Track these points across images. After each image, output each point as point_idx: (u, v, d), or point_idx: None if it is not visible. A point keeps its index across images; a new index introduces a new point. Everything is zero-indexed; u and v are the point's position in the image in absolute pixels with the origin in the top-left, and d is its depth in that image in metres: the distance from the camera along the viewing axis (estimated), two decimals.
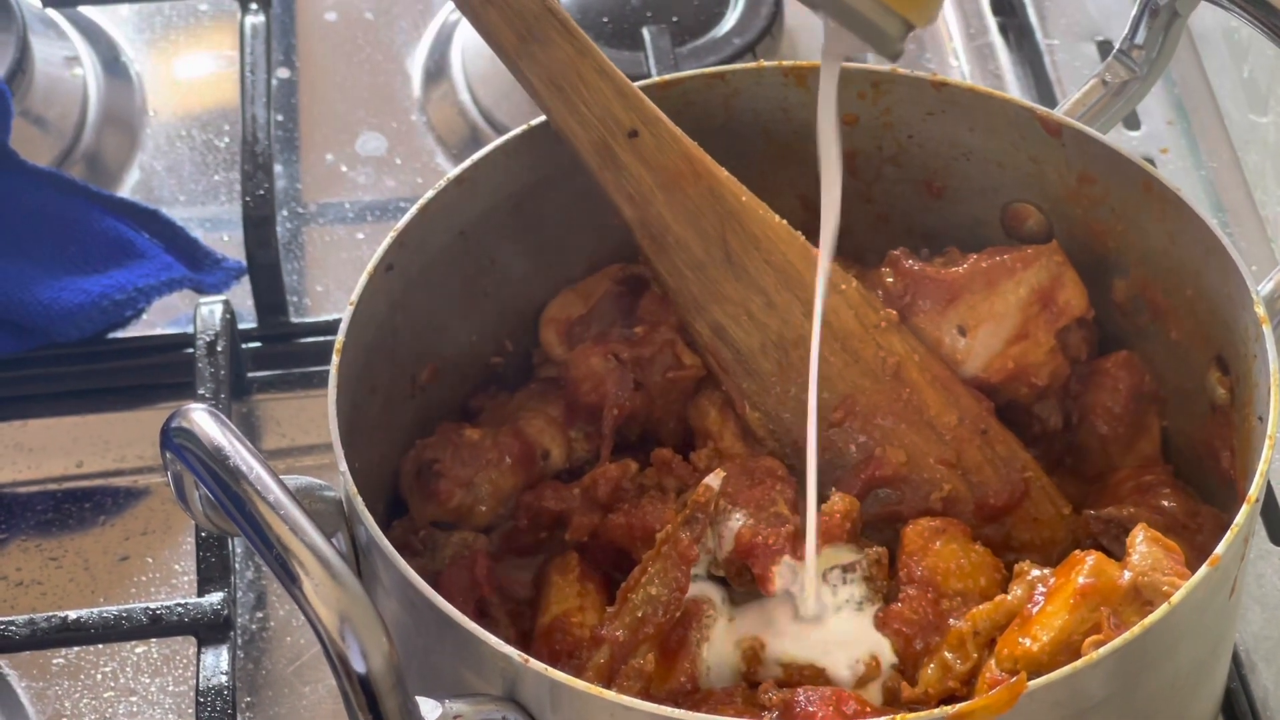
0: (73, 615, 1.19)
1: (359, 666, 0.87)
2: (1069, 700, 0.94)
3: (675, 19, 1.48)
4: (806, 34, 1.52)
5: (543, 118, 1.13)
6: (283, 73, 1.53)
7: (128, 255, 1.38)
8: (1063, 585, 1.00)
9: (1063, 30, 1.53)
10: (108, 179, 1.46)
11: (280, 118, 1.50)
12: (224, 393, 1.29)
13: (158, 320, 1.38)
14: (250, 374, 1.35)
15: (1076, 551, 1.02)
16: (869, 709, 1.01)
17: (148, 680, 1.22)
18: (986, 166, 1.17)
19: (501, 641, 0.94)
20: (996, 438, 1.13)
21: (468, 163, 1.13)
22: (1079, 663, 0.93)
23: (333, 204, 1.46)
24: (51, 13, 1.54)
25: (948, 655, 1.03)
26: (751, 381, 1.14)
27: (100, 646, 1.22)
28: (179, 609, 1.19)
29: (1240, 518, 0.98)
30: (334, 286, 1.40)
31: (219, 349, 1.30)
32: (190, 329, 1.32)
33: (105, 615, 1.19)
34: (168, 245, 1.39)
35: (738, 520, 1.07)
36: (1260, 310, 1.05)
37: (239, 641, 1.22)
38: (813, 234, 1.12)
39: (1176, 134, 1.48)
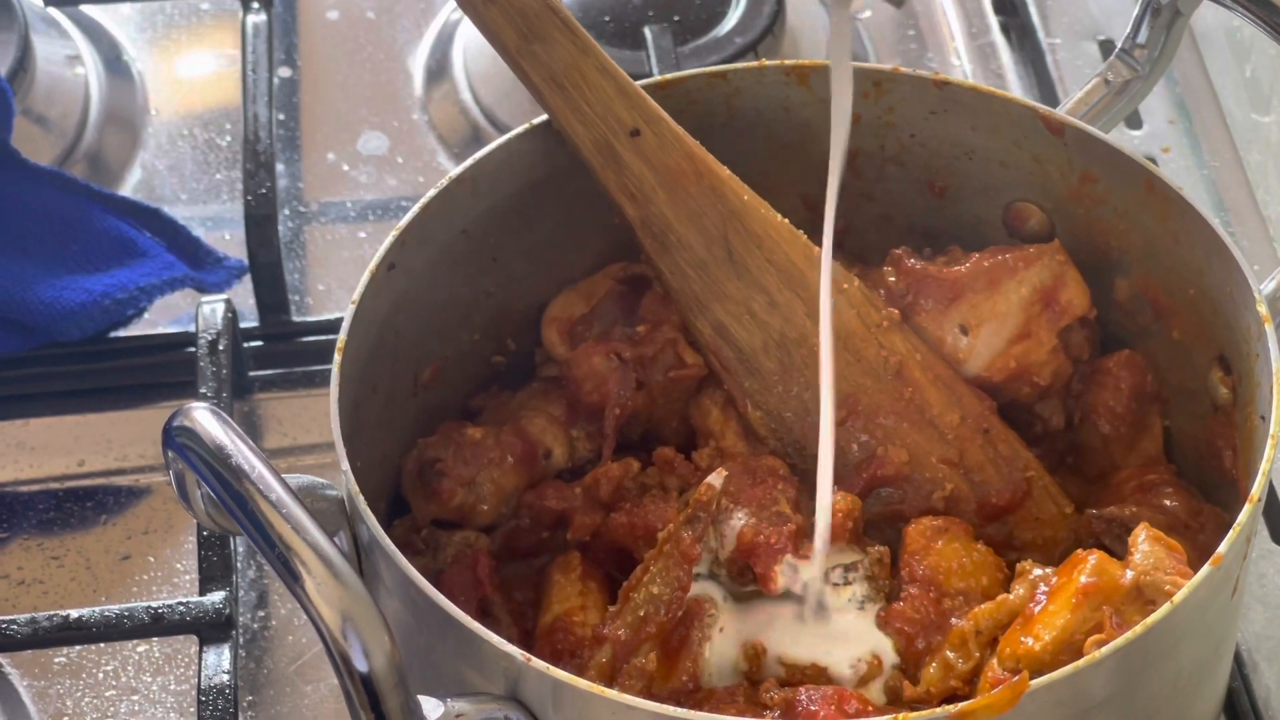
0: (74, 614, 1.19)
1: (361, 665, 0.87)
2: (1071, 699, 0.94)
3: (677, 18, 1.48)
4: (808, 33, 1.52)
5: (544, 117, 1.13)
6: (284, 72, 1.53)
7: (129, 254, 1.38)
8: (1065, 584, 1.00)
9: (1065, 29, 1.53)
10: (109, 178, 1.46)
11: (282, 117, 1.50)
12: (226, 392, 1.29)
13: (159, 319, 1.38)
14: (252, 373, 1.35)
15: (1079, 551, 1.02)
16: (871, 708, 1.01)
17: (149, 679, 1.22)
18: (989, 166, 1.17)
19: (503, 640, 0.94)
20: (998, 437, 1.13)
21: (469, 162, 1.13)
22: (1081, 662, 0.93)
23: (334, 203, 1.46)
24: (53, 11, 1.54)
25: (950, 654, 1.03)
26: (754, 380, 1.13)
27: (102, 645, 1.22)
28: (181, 608, 1.19)
29: (1243, 517, 0.97)
30: (336, 285, 1.40)
31: (221, 348, 1.30)
32: (192, 328, 1.32)
33: (107, 614, 1.19)
34: (169, 244, 1.39)
35: (739, 519, 1.07)
36: (1262, 309, 1.05)
37: (241, 640, 1.22)
38: (815, 233, 1.12)
39: (1178, 133, 1.48)
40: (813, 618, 1.06)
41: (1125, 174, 1.13)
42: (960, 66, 1.52)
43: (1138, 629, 0.94)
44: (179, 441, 0.93)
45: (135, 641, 1.22)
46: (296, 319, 1.38)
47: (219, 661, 1.17)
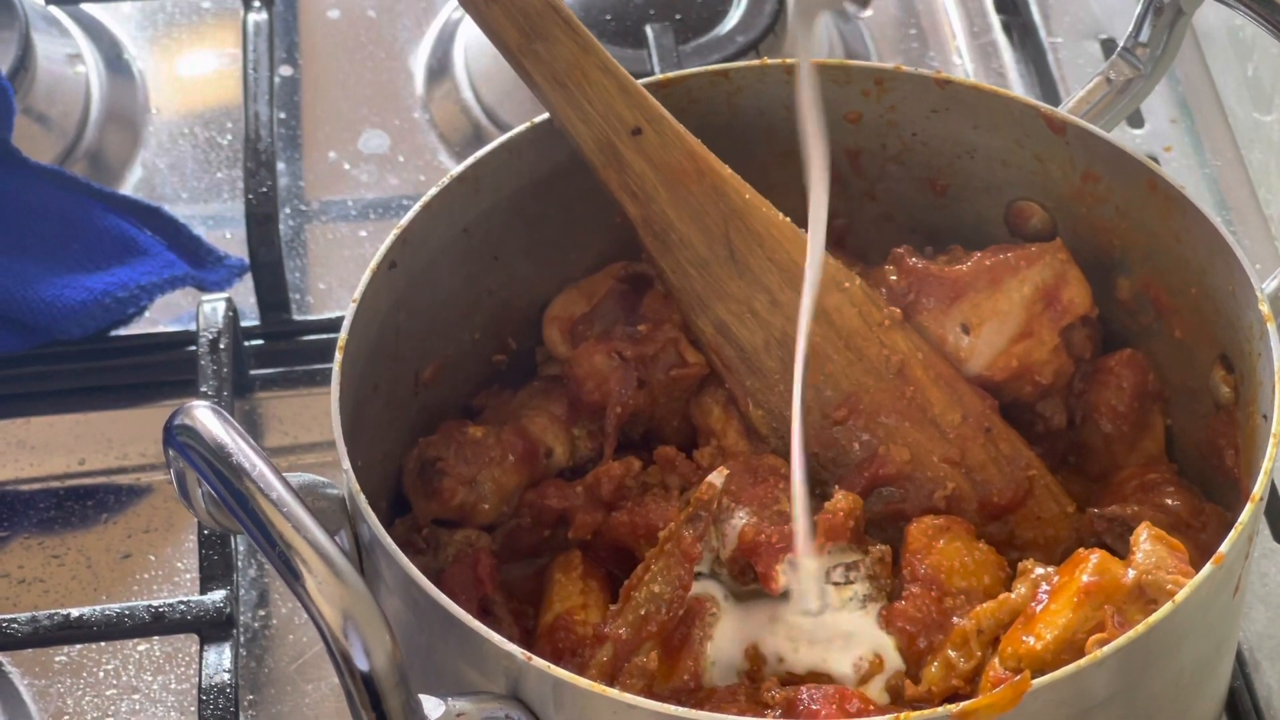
0: (75, 613, 1.19)
1: (362, 664, 0.87)
2: (1073, 699, 0.94)
3: (678, 16, 1.48)
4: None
5: (546, 115, 1.13)
6: (285, 70, 1.53)
7: (130, 253, 1.38)
8: (1066, 584, 1.00)
9: (1066, 28, 1.53)
10: (110, 176, 1.46)
11: (283, 115, 1.50)
12: (226, 390, 1.29)
13: (160, 318, 1.38)
14: (253, 371, 1.35)
15: (1080, 550, 1.02)
16: (872, 707, 1.01)
17: (150, 678, 1.21)
18: (990, 164, 1.17)
19: (504, 639, 0.94)
20: (1000, 436, 1.13)
21: (470, 160, 1.13)
22: (1083, 661, 0.93)
23: (335, 201, 1.46)
24: (54, 10, 1.54)
25: (951, 653, 1.02)
26: (755, 379, 1.13)
27: (103, 644, 1.22)
28: (181, 606, 1.19)
29: (1244, 516, 0.97)
30: (336, 284, 1.40)
31: (221, 346, 1.30)
32: (193, 326, 1.32)
33: (108, 613, 1.19)
34: (170, 243, 1.39)
35: (741, 518, 1.07)
36: (1264, 308, 1.05)
37: (241, 639, 1.22)
38: None
39: (1180, 132, 1.48)
40: (814, 617, 1.05)
41: (1127, 173, 1.13)
42: (962, 65, 1.52)
43: (1139, 628, 0.94)
44: (180, 440, 0.93)
45: (136, 640, 1.22)
46: (297, 318, 1.38)
47: (220, 660, 1.17)
